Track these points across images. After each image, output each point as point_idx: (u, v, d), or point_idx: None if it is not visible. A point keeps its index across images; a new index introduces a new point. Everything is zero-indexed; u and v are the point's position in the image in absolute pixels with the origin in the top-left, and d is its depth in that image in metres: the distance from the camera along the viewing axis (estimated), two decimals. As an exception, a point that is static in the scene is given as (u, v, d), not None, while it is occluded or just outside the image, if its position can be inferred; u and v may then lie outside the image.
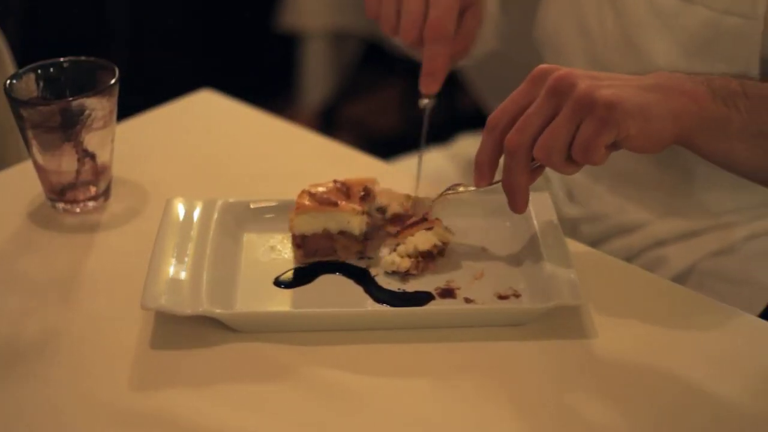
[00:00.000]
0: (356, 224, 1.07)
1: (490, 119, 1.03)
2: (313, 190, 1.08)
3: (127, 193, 1.22)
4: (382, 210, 1.10)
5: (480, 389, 0.94)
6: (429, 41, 1.22)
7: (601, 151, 0.97)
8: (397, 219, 1.11)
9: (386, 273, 1.07)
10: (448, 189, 1.10)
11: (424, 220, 1.09)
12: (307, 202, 1.07)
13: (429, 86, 1.24)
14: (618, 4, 1.29)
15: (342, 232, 1.07)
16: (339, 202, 1.07)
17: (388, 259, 1.07)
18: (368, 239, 1.09)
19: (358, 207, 1.07)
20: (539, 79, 1.01)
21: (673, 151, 1.34)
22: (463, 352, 0.99)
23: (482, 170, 1.03)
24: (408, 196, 1.13)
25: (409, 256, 1.07)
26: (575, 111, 0.97)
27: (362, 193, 1.09)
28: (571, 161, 0.99)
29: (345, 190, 1.09)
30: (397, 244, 1.08)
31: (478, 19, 1.29)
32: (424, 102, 1.25)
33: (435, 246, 1.08)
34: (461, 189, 1.10)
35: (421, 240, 1.07)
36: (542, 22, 1.46)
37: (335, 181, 1.09)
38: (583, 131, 0.97)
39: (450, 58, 1.25)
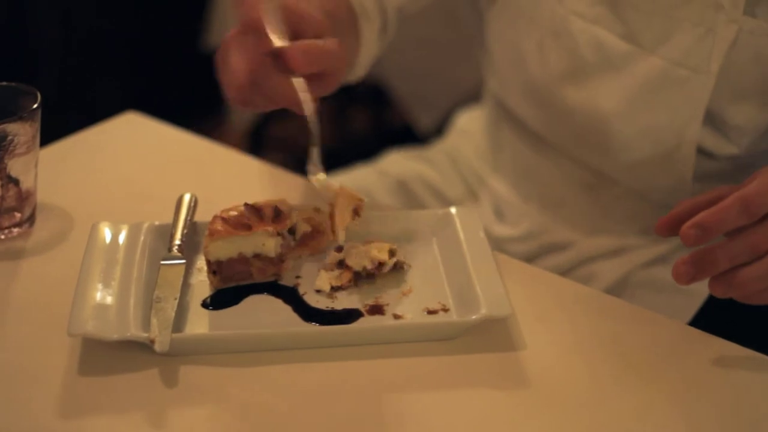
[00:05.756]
0: (271, 246, 1.07)
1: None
2: (225, 215, 1.08)
3: (52, 218, 1.20)
4: (292, 231, 1.10)
5: (413, 405, 0.95)
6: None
7: None
8: (308, 239, 1.12)
9: (315, 291, 1.07)
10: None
11: (340, 249, 1.10)
12: (220, 228, 1.06)
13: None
14: (565, 41, 1.29)
15: (257, 255, 1.07)
16: (252, 225, 1.07)
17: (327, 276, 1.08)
18: (283, 261, 1.09)
19: (271, 229, 1.07)
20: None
21: (603, 179, 1.36)
22: (394, 368, 0.99)
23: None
24: (317, 209, 1.13)
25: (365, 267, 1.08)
26: None
27: (274, 214, 1.09)
28: None
29: (257, 212, 1.08)
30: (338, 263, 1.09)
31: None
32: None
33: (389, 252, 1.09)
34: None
35: (375, 252, 1.08)
36: (486, 42, 1.46)
37: (246, 205, 1.09)
38: None
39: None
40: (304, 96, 1.03)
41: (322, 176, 1.10)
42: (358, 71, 1.34)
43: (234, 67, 1.03)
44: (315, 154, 1.10)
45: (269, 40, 1.01)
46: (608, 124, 1.29)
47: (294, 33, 1.04)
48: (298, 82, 1.03)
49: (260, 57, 1.02)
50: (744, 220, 0.97)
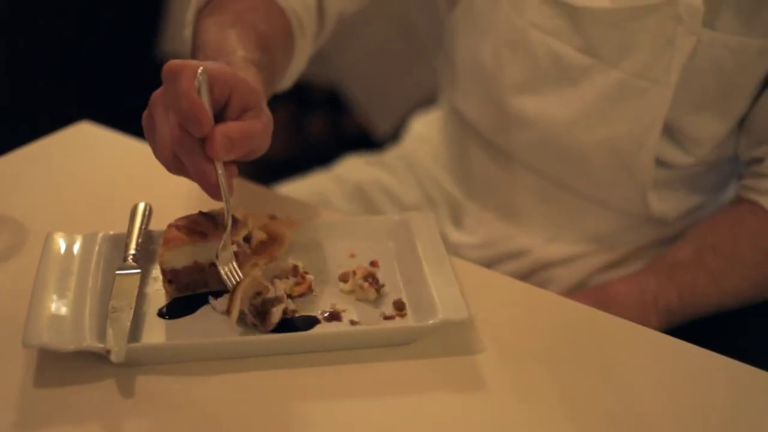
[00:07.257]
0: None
1: None
2: (179, 224, 1.07)
3: (5, 230, 1.19)
4: (247, 239, 1.10)
5: (371, 410, 0.95)
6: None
7: None
8: (263, 247, 1.11)
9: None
10: None
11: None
12: (175, 236, 1.06)
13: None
14: (522, 52, 1.29)
15: (213, 264, 1.06)
16: (207, 234, 1.06)
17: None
18: None
19: None
20: None
21: (561, 188, 1.36)
22: (353, 374, 0.99)
23: None
24: (272, 216, 1.13)
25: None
26: None
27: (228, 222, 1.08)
28: None
29: (212, 220, 1.08)
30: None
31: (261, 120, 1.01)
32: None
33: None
34: None
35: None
36: (444, 49, 1.46)
37: (200, 212, 1.08)
38: None
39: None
40: (223, 182, 0.98)
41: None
42: (285, 83, 1.30)
43: (158, 137, 0.97)
44: (227, 240, 1.04)
45: (195, 127, 0.94)
46: (566, 134, 1.29)
47: (220, 101, 0.98)
48: (218, 167, 0.97)
49: (182, 134, 0.95)
50: None
